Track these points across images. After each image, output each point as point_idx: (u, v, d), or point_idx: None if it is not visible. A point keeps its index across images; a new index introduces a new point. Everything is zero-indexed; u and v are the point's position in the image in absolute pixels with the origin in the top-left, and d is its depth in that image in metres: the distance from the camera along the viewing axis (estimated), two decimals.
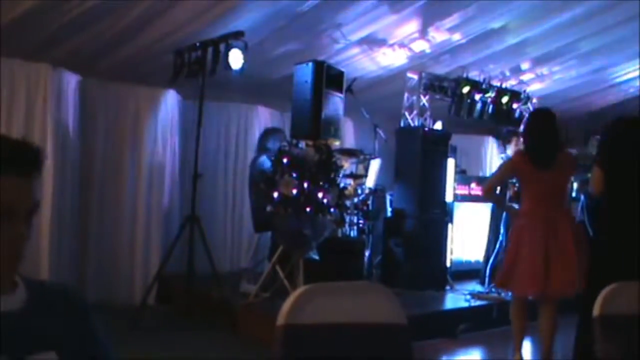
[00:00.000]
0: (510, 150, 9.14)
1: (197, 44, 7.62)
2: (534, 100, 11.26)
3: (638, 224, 4.81)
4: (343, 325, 2.21)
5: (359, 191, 9.01)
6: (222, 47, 7.56)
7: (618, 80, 11.11)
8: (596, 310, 2.66)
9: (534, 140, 6.01)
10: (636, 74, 10.55)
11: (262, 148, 8.68)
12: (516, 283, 5.97)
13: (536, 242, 5.80)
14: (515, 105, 10.94)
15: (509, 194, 8.52)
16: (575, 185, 9.95)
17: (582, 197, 10.30)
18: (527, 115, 8.47)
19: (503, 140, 9.65)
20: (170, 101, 9.00)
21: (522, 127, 6.67)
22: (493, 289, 8.76)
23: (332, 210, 7.47)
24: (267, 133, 8.96)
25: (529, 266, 5.81)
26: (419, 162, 9.12)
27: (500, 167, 6.85)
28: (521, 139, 6.74)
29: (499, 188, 7.73)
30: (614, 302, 2.66)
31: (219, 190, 10.09)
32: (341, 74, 8.25)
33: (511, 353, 6.22)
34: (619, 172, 4.52)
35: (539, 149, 5.96)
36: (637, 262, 4.95)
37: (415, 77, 9.79)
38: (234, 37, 7.49)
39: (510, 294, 6.60)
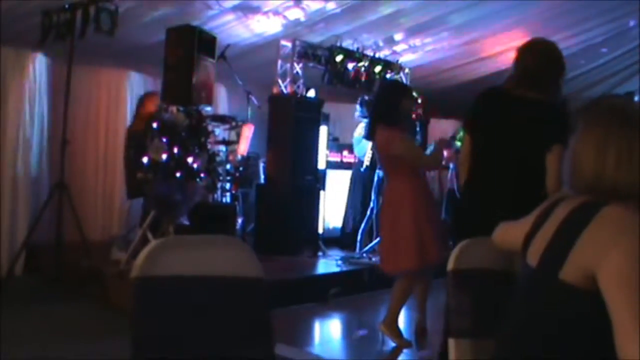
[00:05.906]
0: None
1: (66, 6, 7.41)
2: (407, 71, 11.44)
3: (500, 193, 4.72)
4: (198, 277, 2.21)
5: (232, 157, 9.01)
6: (91, 9, 7.37)
7: (489, 53, 11.38)
8: (449, 265, 2.74)
9: None
10: (506, 47, 10.79)
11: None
12: None
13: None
14: (388, 75, 11.09)
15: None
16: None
17: (451, 165, 10.60)
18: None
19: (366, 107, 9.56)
20: (38, 65, 8.68)
21: None
22: (364, 255, 8.95)
23: (202, 175, 7.45)
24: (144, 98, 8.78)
25: None
26: (291, 129, 9.21)
27: None
28: None
29: None
30: (466, 257, 2.75)
31: (89, 157, 9.84)
32: (214, 39, 8.19)
33: (382, 316, 6.27)
34: (487, 140, 4.54)
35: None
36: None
37: (289, 44, 9.80)
38: None
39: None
